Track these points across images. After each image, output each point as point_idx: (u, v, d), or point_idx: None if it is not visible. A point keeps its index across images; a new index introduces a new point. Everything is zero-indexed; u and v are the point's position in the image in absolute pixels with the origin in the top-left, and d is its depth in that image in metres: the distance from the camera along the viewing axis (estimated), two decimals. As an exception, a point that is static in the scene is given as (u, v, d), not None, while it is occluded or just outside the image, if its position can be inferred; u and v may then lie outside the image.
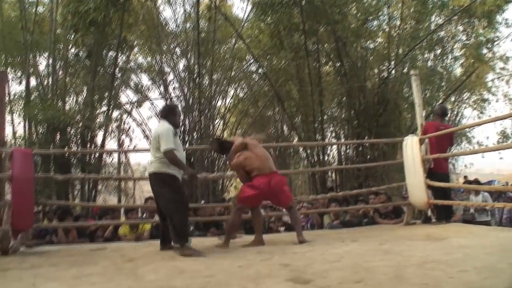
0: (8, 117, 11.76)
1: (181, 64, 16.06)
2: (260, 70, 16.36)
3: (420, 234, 5.92)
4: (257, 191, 5.82)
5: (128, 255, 5.27)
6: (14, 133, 13.27)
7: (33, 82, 13.54)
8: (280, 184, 6.11)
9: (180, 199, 5.47)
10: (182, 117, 7.95)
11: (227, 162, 6.51)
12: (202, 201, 12.46)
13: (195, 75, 14.87)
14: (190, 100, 15.09)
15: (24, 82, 13.83)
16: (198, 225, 8.54)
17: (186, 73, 15.38)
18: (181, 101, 15.59)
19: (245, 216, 6.68)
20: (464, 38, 16.18)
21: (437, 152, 7.30)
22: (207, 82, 15.45)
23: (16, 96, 13.82)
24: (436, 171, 7.37)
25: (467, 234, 5.68)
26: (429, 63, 16.87)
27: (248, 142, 6.24)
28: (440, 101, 16.55)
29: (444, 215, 7.27)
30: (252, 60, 17.03)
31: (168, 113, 5.80)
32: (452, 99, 19.35)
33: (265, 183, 5.82)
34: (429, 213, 7.47)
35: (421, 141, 7.42)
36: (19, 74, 14.60)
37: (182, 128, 15.30)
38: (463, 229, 6.32)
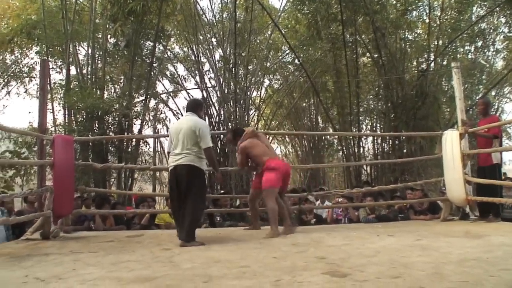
0: (48, 105, 11.98)
1: (217, 54, 16.09)
2: (296, 61, 16.23)
3: (458, 231, 5.81)
4: (277, 170, 6.11)
5: (164, 243, 5.35)
6: (54, 120, 13.59)
7: (72, 71, 13.78)
8: (289, 168, 6.73)
9: (205, 198, 5.77)
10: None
11: (237, 147, 6.58)
12: (221, 191, 12.46)
13: (231, 66, 14.87)
14: (226, 91, 15.10)
15: (64, 71, 14.18)
16: (223, 215, 8.69)
17: (222, 64, 15.38)
18: (216, 91, 15.64)
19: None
20: (506, 30, 15.84)
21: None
22: (242, 73, 15.41)
23: (56, 85, 14.19)
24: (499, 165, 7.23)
25: (507, 232, 5.55)
26: (470, 56, 16.57)
27: (257, 132, 6.76)
28: (480, 95, 16.24)
29: (495, 211, 6.96)
30: (288, 51, 16.96)
31: (197, 107, 5.85)
32: (493, 93, 18.97)
33: (280, 164, 6.33)
34: (467, 209, 7.33)
35: (461, 136, 7.26)
36: (59, 63, 14.97)
37: (217, 118, 15.35)
38: (502, 226, 6.19)
